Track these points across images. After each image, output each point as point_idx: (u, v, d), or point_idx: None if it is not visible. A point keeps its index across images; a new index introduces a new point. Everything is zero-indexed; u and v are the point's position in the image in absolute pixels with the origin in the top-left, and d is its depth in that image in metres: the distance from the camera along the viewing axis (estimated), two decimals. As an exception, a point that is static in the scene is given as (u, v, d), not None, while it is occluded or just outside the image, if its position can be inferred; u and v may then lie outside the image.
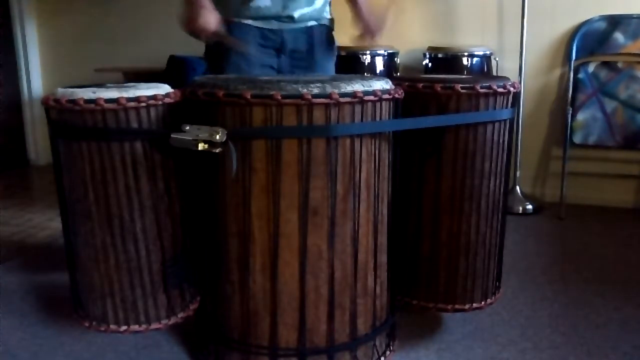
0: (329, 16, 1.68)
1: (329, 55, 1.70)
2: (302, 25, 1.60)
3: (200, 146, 1.10)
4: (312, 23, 1.63)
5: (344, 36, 1.77)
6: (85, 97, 1.07)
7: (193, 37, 1.49)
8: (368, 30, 1.62)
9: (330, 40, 1.70)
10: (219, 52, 1.56)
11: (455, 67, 2.65)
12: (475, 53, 2.63)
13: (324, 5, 1.64)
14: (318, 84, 1.09)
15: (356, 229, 1.18)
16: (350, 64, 2.65)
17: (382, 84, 1.17)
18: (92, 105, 1.07)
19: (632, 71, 2.60)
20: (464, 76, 1.62)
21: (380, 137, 1.20)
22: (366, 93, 1.11)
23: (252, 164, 1.12)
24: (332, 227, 1.15)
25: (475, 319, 1.54)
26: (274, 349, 1.20)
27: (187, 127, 1.12)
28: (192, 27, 1.45)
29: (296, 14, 1.57)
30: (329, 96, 1.08)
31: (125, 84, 1.22)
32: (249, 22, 1.55)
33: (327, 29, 1.68)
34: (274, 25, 1.57)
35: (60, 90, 1.11)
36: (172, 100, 1.16)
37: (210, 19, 1.45)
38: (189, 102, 1.18)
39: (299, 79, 1.19)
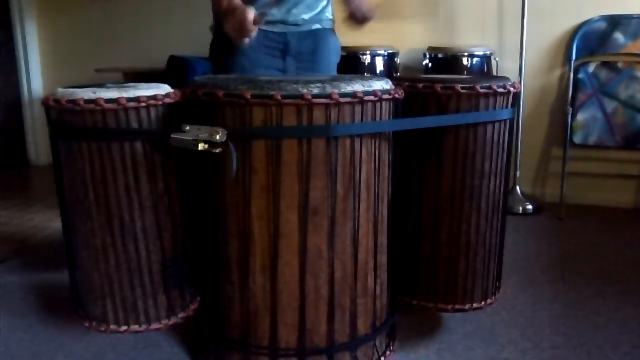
0: (330, 17, 1.73)
1: (333, 57, 1.74)
2: (306, 28, 1.65)
3: (200, 146, 1.10)
4: (315, 26, 1.67)
5: (344, 36, 1.77)
6: (85, 97, 1.07)
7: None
8: (356, 11, 1.61)
9: (332, 41, 1.73)
10: (224, 53, 1.58)
11: (455, 67, 2.65)
12: (475, 53, 2.63)
13: (324, 9, 1.69)
14: (318, 84, 1.09)
15: (356, 229, 1.18)
16: (350, 64, 2.65)
17: (382, 84, 1.17)
18: (92, 106, 1.07)
19: (632, 71, 2.60)
20: (464, 76, 1.62)
21: (380, 137, 1.20)
22: (366, 93, 1.11)
23: (252, 164, 1.12)
24: (332, 227, 1.15)
25: (475, 319, 1.54)
26: (274, 349, 1.20)
27: (187, 127, 1.12)
28: (234, 33, 1.43)
29: (299, 20, 1.62)
30: (329, 96, 1.08)
31: (125, 84, 1.22)
32: None
33: (330, 31, 1.73)
34: (278, 28, 1.61)
35: (60, 90, 1.11)
36: (172, 100, 1.16)
37: (248, 16, 1.38)
38: (189, 102, 1.18)
39: (299, 79, 1.19)
